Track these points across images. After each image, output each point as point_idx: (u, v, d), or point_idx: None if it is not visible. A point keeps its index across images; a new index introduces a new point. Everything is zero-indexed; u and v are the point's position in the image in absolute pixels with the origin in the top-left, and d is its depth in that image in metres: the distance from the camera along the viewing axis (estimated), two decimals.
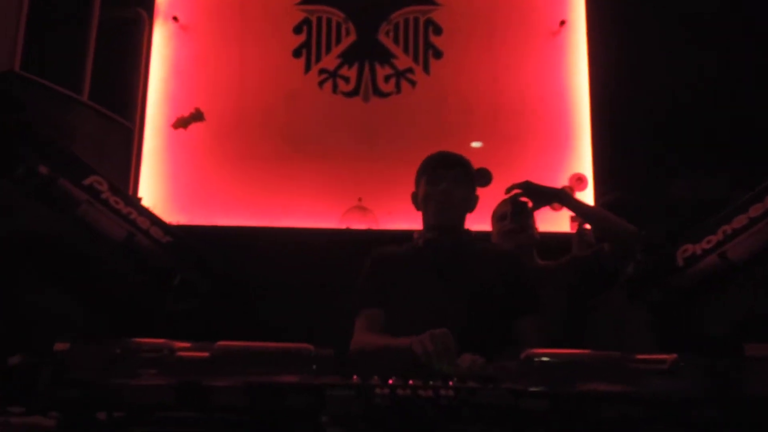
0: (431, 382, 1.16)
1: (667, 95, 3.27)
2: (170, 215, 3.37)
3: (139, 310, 1.50)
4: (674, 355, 1.14)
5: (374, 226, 3.34)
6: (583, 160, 3.38)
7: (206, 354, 1.24)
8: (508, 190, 2.10)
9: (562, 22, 3.55)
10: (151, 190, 3.53)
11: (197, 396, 1.19)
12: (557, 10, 3.61)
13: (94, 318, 1.48)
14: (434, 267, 1.82)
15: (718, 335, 1.17)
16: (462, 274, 1.80)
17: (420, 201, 1.89)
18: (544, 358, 1.20)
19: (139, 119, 3.51)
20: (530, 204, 2.11)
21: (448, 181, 1.84)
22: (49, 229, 1.53)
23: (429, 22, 3.69)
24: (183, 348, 1.27)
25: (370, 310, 1.80)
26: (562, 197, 2.11)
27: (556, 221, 3.13)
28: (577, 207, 2.11)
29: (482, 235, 1.97)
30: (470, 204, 1.91)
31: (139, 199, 1.57)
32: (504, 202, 2.22)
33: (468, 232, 1.89)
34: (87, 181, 1.43)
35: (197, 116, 3.43)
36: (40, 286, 1.59)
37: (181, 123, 3.47)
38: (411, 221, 2.01)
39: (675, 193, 2.99)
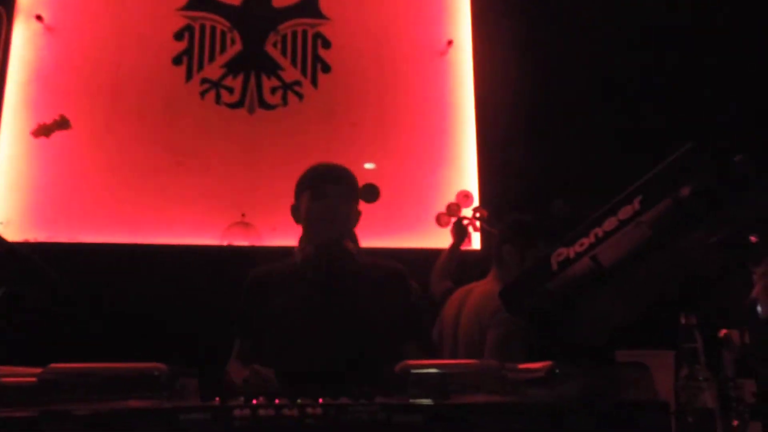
0: (299, 401, 1.07)
1: (550, 113, 3.39)
2: (29, 231, 3.06)
3: None
4: (549, 363, 1.12)
5: (257, 243, 3.19)
6: (469, 177, 3.43)
7: (32, 380, 1.08)
8: None
9: (449, 42, 3.62)
10: (7, 202, 3.19)
11: (27, 430, 1.02)
12: (444, 29, 3.68)
13: None
14: (313, 284, 1.73)
15: (591, 342, 1.16)
16: (342, 293, 1.72)
17: (302, 216, 1.81)
18: (420, 370, 1.14)
19: None
20: None
21: (332, 196, 1.77)
22: None
23: (318, 35, 3.64)
24: (5, 374, 1.10)
25: (242, 339, 1.78)
26: None
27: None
28: None
29: (368, 251, 1.90)
30: (354, 219, 1.84)
31: None
32: None
33: (349, 248, 1.80)
34: None
35: (62, 123, 3.15)
36: None
37: (43, 131, 3.16)
38: (296, 237, 1.91)
39: (556, 211, 3.08)
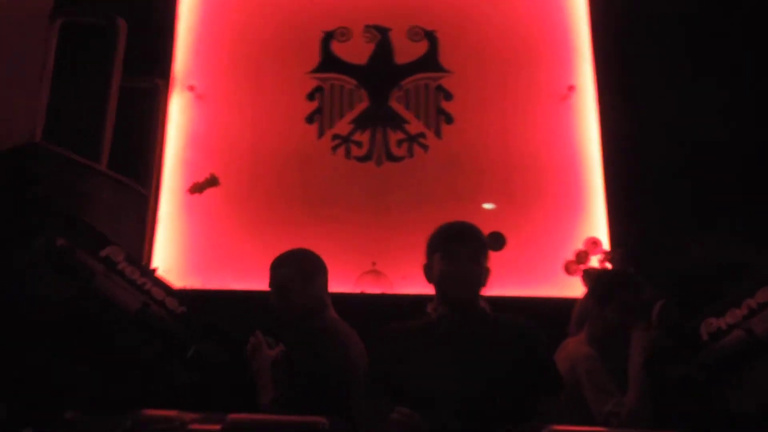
0: None
1: (681, 157, 3.28)
2: (184, 279, 3.37)
3: (152, 382, 1.48)
4: None
5: (388, 291, 3.31)
6: (597, 223, 3.36)
7: (218, 426, 1.22)
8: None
9: (570, 87, 3.61)
10: (166, 254, 3.54)
11: None
12: (565, 75, 3.68)
13: (106, 388, 1.47)
14: (450, 343, 1.78)
15: (747, 413, 1.13)
16: (478, 351, 1.76)
17: (435, 277, 1.87)
18: None
19: (155, 186, 3.57)
20: None
21: (464, 257, 1.83)
22: (64, 299, 1.53)
23: (440, 89, 3.77)
24: (194, 420, 1.25)
25: (377, 398, 1.79)
26: None
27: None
28: None
29: (498, 303, 1.94)
30: (485, 278, 1.88)
31: (154, 270, 1.58)
32: None
33: (482, 307, 1.87)
34: (104, 252, 1.44)
35: (212, 181, 3.49)
36: (54, 355, 1.58)
37: (197, 188, 3.52)
38: (425, 285, 1.98)
39: (695, 256, 2.95)
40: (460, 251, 1.83)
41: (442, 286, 1.85)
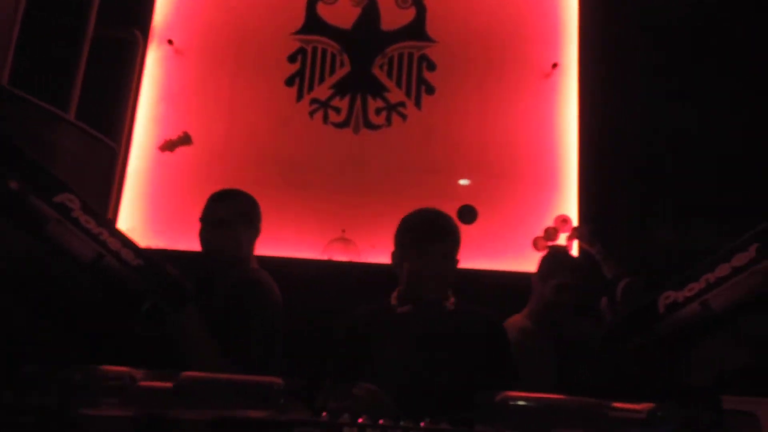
0: (402, 423, 1.13)
1: (656, 141, 3.30)
2: (150, 238, 3.32)
3: (106, 336, 1.44)
4: (651, 405, 1.12)
5: (356, 259, 3.30)
6: (568, 201, 3.38)
7: (169, 384, 1.20)
8: None
9: (554, 65, 3.59)
10: (132, 211, 3.48)
11: (158, 429, 1.14)
12: (550, 52, 3.66)
13: (61, 342, 1.43)
14: (411, 339, 1.76)
15: (697, 386, 1.14)
16: (440, 348, 1.75)
17: (405, 273, 1.79)
18: (520, 402, 1.17)
19: (125, 141, 3.49)
20: None
21: (439, 255, 1.78)
22: (14, 246, 1.48)
23: (423, 58, 3.72)
24: (146, 376, 1.23)
25: (337, 380, 1.75)
26: None
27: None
28: None
29: (465, 275, 1.93)
30: (455, 272, 1.86)
31: (112, 221, 1.54)
32: None
33: (447, 307, 1.83)
34: (58, 199, 1.38)
35: (185, 140, 3.41)
36: (8, 306, 1.53)
37: (169, 146, 3.45)
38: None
39: (662, 238, 2.99)
40: (437, 250, 1.78)
41: (412, 283, 1.78)
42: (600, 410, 1.14)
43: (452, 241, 1.83)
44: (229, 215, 2.13)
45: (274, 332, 2.05)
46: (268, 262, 3.26)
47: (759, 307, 1.06)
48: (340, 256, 3.32)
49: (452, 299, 1.86)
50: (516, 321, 2.28)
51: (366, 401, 1.54)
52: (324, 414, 1.15)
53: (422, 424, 1.11)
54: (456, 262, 1.86)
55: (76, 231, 1.31)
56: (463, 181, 3.42)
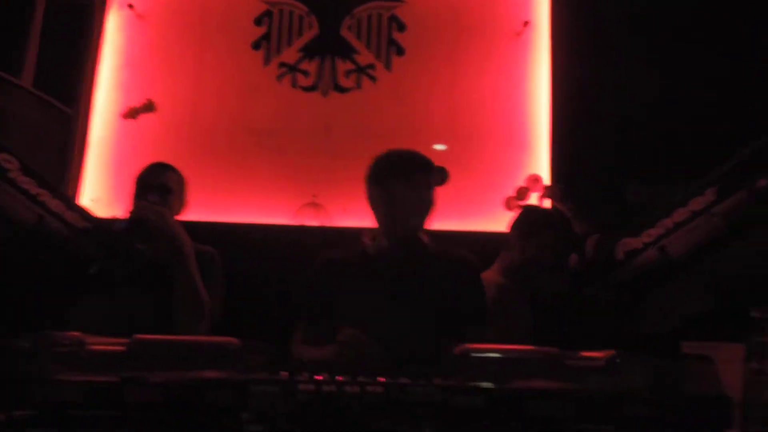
0: (360, 378, 1.11)
1: (629, 100, 3.27)
2: (114, 209, 3.25)
3: (54, 300, 1.41)
4: (611, 352, 1.12)
5: (327, 224, 3.27)
6: (540, 161, 3.35)
7: (121, 348, 1.17)
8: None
9: (526, 23, 3.54)
10: (95, 181, 3.39)
11: (110, 393, 1.12)
12: (522, 10, 3.59)
13: (6, 308, 1.39)
14: (386, 278, 1.76)
15: (656, 332, 1.14)
16: (413, 285, 1.75)
17: (387, 203, 1.80)
18: (480, 354, 1.16)
19: (85, 109, 3.38)
20: None
21: (423, 183, 1.80)
22: None
23: (393, 18, 3.64)
24: (97, 341, 1.19)
25: (311, 324, 1.77)
26: None
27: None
28: None
29: (439, 235, 1.92)
30: (434, 206, 1.86)
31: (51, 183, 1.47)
32: None
33: (424, 241, 1.84)
34: None
35: (148, 107, 3.32)
36: None
37: (132, 113, 3.35)
38: (364, 219, 1.94)
39: (631, 197, 3.00)
40: (422, 178, 1.80)
41: (398, 212, 1.79)
42: (559, 359, 1.14)
43: (434, 172, 1.85)
44: (173, 183, 2.18)
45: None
46: (238, 228, 3.25)
47: (717, 250, 1.05)
48: (311, 221, 3.28)
49: (427, 237, 1.86)
50: (489, 277, 2.26)
51: (351, 347, 1.53)
52: (283, 374, 1.13)
53: (381, 379, 1.10)
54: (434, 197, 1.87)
55: (14, 192, 1.26)
56: (438, 146, 3.38)
